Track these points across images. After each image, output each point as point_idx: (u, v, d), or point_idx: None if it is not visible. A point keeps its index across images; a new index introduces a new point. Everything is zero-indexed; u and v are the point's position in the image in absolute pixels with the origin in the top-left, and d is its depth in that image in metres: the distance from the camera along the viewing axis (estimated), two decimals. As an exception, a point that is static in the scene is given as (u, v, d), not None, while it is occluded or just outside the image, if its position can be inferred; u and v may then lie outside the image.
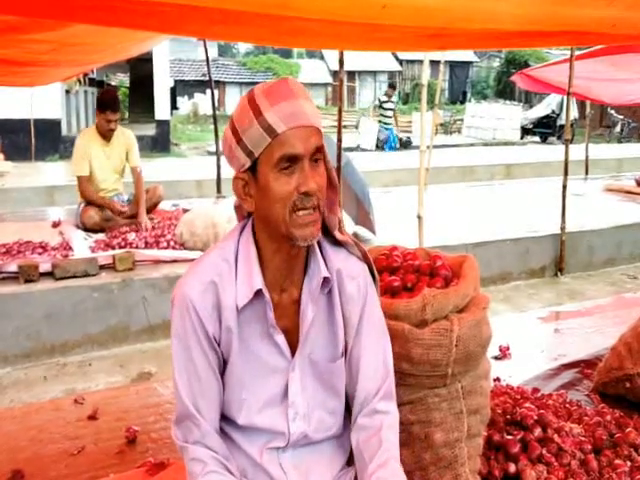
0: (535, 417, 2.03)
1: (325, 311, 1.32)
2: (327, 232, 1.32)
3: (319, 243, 1.31)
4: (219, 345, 1.27)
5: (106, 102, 4.82)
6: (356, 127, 15.74)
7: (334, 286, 1.31)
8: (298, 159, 1.16)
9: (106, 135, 4.90)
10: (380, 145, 14.56)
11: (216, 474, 1.24)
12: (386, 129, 14.26)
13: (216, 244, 1.34)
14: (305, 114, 1.16)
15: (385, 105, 13.76)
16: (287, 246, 1.23)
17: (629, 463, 1.94)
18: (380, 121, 14.34)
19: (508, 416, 2.10)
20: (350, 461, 1.41)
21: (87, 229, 4.89)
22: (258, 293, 1.24)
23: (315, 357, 1.32)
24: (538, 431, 1.98)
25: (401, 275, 1.82)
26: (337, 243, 1.34)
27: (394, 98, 13.94)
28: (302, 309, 1.28)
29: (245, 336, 1.27)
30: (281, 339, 1.28)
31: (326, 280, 1.28)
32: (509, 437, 1.96)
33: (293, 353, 1.29)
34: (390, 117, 13.98)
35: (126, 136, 5.09)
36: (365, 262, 1.38)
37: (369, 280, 1.37)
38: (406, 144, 15.20)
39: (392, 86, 14.22)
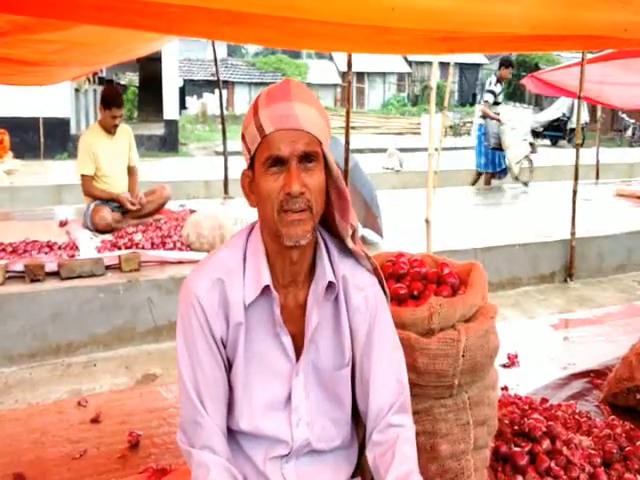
0: (544, 428, 1.99)
1: (331, 318, 1.30)
2: (338, 236, 1.30)
3: (327, 248, 1.29)
4: (225, 346, 1.26)
5: (111, 98, 4.88)
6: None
7: (340, 293, 1.29)
8: (284, 161, 1.16)
9: (110, 130, 4.96)
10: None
11: None
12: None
13: (226, 242, 1.34)
14: (295, 117, 1.15)
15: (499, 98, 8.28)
16: (286, 247, 1.21)
17: (639, 477, 1.91)
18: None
19: (516, 427, 2.06)
20: (355, 474, 1.38)
21: (98, 230, 4.83)
22: (265, 290, 1.23)
23: (319, 364, 1.30)
24: (546, 443, 1.94)
25: (407, 283, 1.80)
26: (346, 250, 1.32)
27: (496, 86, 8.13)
28: (307, 313, 1.26)
29: (252, 336, 1.26)
30: (287, 340, 1.26)
31: (331, 285, 1.26)
32: (517, 449, 1.93)
33: (298, 358, 1.28)
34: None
35: (127, 132, 5.17)
36: (375, 276, 1.35)
37: (379, 294, 1.34)
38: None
39: (509, 64, 8.07)
